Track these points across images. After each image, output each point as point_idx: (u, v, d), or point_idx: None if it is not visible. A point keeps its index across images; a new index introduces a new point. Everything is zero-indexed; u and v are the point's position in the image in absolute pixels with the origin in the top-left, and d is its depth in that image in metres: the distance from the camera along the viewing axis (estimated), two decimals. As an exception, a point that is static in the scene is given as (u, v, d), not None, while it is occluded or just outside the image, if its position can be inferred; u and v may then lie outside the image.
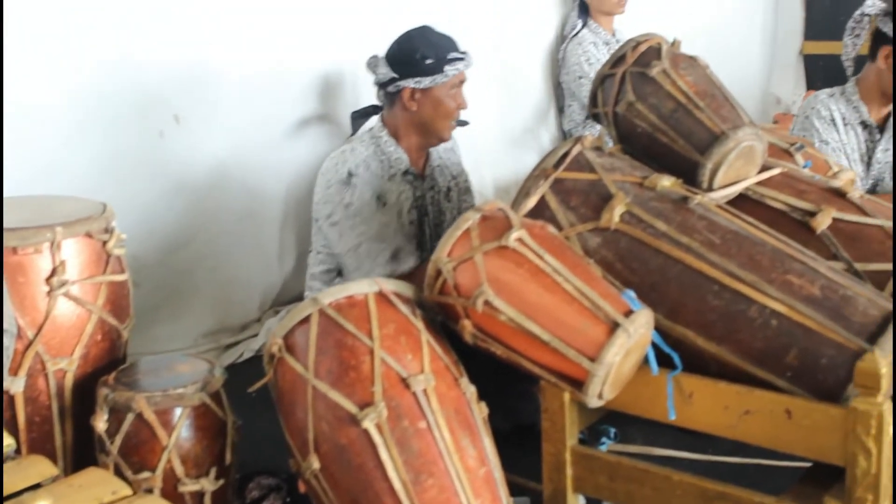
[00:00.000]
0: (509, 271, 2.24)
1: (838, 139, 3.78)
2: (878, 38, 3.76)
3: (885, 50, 3.69)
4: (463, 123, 3.40)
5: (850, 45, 3.94)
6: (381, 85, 3.23)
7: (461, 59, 3.18)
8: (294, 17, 3.94)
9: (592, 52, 5.01)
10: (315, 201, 3.24)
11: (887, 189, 3.88)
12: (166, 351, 3.54)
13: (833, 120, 3.78)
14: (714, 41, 6.48)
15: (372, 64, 3.22)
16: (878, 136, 3.85)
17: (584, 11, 5.17)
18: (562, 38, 5.25)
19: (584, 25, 5.14)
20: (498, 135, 4.99)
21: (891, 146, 3.89)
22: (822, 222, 2.56)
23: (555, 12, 5.34)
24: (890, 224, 2.57)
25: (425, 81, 3.15)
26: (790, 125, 6.10)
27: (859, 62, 3.91)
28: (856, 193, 2.69)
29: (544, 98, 5.28)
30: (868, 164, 3.89)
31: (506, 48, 5.00)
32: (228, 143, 3.80)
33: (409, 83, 3.15)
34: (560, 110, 5.28)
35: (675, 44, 2.81)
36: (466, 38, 4.60)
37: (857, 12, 3.89)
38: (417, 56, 3.13)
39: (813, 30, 7.49)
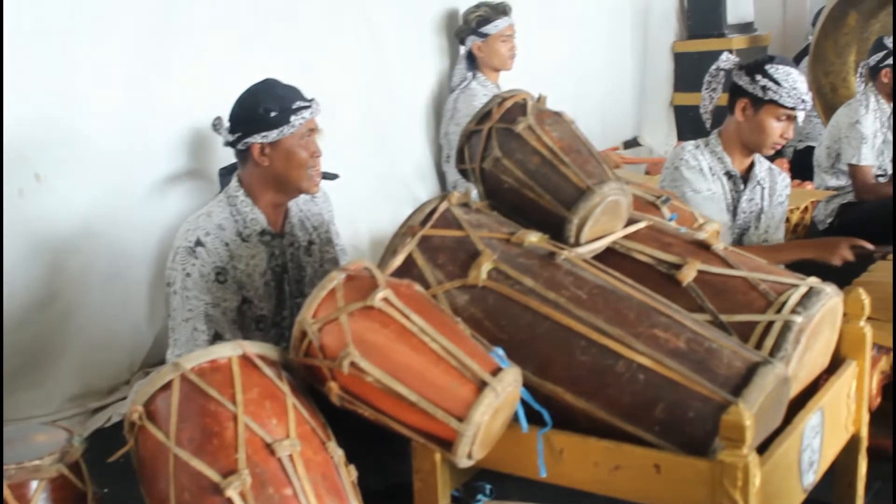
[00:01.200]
0: (375, 332, 2.20)
1: (708, 188, 3.85)
2: (735, 92, 3.88)
3: (742, 102, 3.83)
4: (331, 177, 3.36)
5: (708, 99, 4.06)
6: (230, 144, 3.17)
7: (307, 107, 3.13)
8: (161, 68, 3.87)
9: (483, 103, 5.05)
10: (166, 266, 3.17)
11: (752, 239, 3.97)
12: (29, 418, 3.42)
13: (701, 169, 3.86)
14: (586, 93, 6.63)
15: (216, 125, 3.16)
16: (741, 187, 3.95)
17: (472, 64, 5.22)
18: (449, 90, 5.29)
19: (472, 77, 5.18)
20: (374, 187, 4.97)
21: (755, 195, 3.99)
22: (688, 275, 2.58)
23: (434, 65, 5.37)
24: (753, 275, 2.60)
25: (272, 135, 3.08)
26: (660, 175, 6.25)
27: (720, 114, 4.01)
28: (720, 245, 2.72)
29: (423, 150, 5.29)
30: (734, 214, 3.97)
31: (383, 100, 5.01)
32: (93, 201, 3.70)
33: (257, 138, 3.09)
34: (447, 160, 5.29)
35: (540, 99, 2.83)
36: (343, 90, 4.64)
37: (713, 67, 4.01)
38: (261, 110, 3.07)
39: (681, 82, 7.71)
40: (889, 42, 5.86)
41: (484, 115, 2.78)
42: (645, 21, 7.54)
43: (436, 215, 2.54)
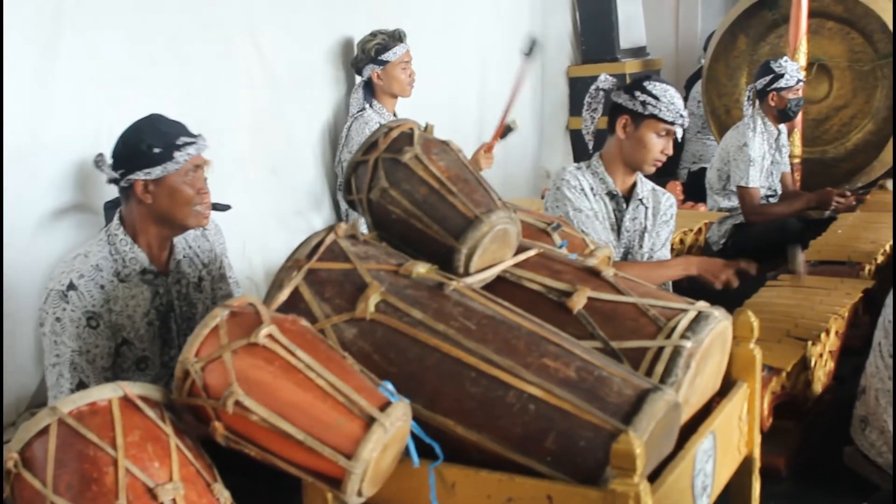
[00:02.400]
0: (260, 369, 2.15)
1: (590, 206, 3.87)
2: (614, 110, 3.92)
3: (622, 120, 3.87)
4: (223, 208, 3.29)
5: (589, 120, 4.09)
6: (114, 181, 3.08)
7: (192, 143, 3.05)
8: (46, 102, 3.77)
9: None
10: (39, 306, 3.07)
11: (636, 258, 4.00)
12: None
13: (582, 188, 3.88)
14: (486, 119, 6.65)
15: (98, 162, 3.06)
16: (624, 206, 3.98)
17: (370, 92, 5.20)
18: (343, 119, 5.25)
19: (368, 105, 5.16)
20: (268, 218, 4.90)
21: (639, 215, 4.02)
22: (578, 302, 2.58)
23: (328, 94, 5.34)
24: (643, 301, 2.61)
25: (155, 171, 2.99)
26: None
27: (602, 137, 4.05)
28: (610, 272, 2.72)
29: (318, 179, 5.24)
30: (618, 233, 4.00)
31: (276, 130, 4.95)
32: (-26, 236, 3.58)
33: (140, 175, 2.99)
34: (340, 189, 5.24)
35: (427, 129, 2.81)
36: (233, 121, 4.58)
37: (592, 87, 4.05)
38: (144, 146, 2.99)
39: (577, 106, 7.75)
40: (775, 66, 5.99)
41: (370, 146, 2.74)
42: (541, 46, 7.58)
43: (322, 248, 2.50)
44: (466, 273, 2.58)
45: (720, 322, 2.59)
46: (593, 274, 2.71)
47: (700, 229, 5.53)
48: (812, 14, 6.71)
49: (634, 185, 4.01)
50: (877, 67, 7.15)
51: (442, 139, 2.78)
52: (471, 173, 2.69)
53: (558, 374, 2.27)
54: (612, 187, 3.93)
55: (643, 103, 3.79)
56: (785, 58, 6.17)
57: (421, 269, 2.48)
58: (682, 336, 2.49)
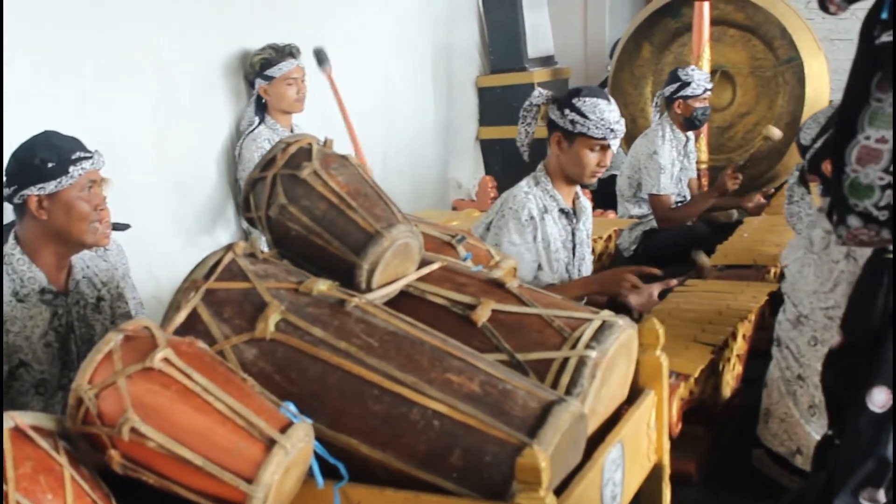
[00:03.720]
0: (156, 394, 2.09)
1: (531, 240, 3.85)
2: (549, 126, 3.92)
3: (556, 136, 3.88)
4: (122, 227, 3.22)
5: (524, 133, 4.07)
6: (7, 199, 3.00)
7: (88, 157, 2.98)
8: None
9: (268, 148, 4.95)
10: None
11: (583, 267, 4.02)
12: None
13: (532, 217, 3.85)
14: (394, 131, 6.64)
15: None
16: (574, 221, 3.99)
17: (262, 108, 5.13)
18: (238, 134, 5.17)
19: (261, 121, 5.08)
20: (173, 235, 4.81)
21: (585, 226, 4.04)
22: (483, 315, 2.56)
23: (231, 107, 5.27)
24: (548, 312, 2.60)
25: (49, 186, 2.93)
26: (468, 209, 6.30)
27: (537, 146, 4.04)
28: (515, 283, 2.71)
29: (221, 195, 5.16)
30: (573, 250, 4.00)
31: (178, 145, 4.86)
32: None
33: (33, 190, 2.93)
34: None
35: (327, 143, 2.77)
36: (134, 136, 4.49)
37: (526, 103, 4.04)
38: (37, 161, 2.92)
39: (486, 116, 7.81)
40: (683, 74, 6.06)
41: (268, 162, 2.70)
42: (448, 57, 7.59)
43: (220, 267, 2.45)
44: (369, 289, 2.55)
45: (625, 331, 2.59)
46: (498, 286, 2.70)
47: (610, 236, 5.56)
48: (714, 22, 6.80)
49: (576, 198, 4.03)
50: (778, 73, 7.27)
51: (341, 154, 2.74)
52: (370, 187, 2.66)
53: (462, 389, 2.25)
54: (563, 204, 3.94)
55: (572, 122, 3.79)
56: (693, 67, 6.24)
57: (322, 286, 2.44)
58: (587, 346, 2.48)
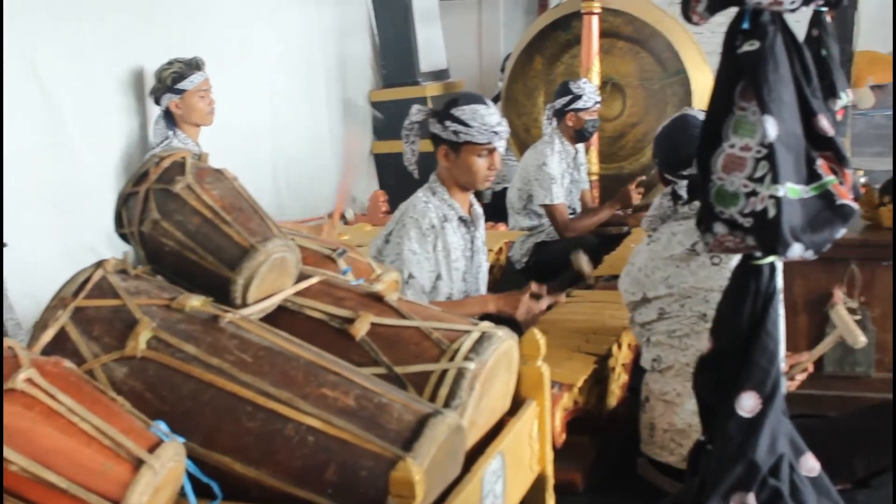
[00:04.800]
0: (18, 416, 2.02)
1: (431, 250, 3.85)
2: (434, 140, 3.92)
3: (442, 149, 3.89)
4: None
5: (409, 151, 4.07)
6: None
7: None
8: None
9: None
10: None
11: (480, 275, 4.04)
12: None
13: (433, 226, 3.85)
14: (287, 145, 6.60)
15: None
16: (473, 228, 4.00)
17: (171, 122, 5.06)
18: (148, 148, 5.10)
19: (173, 135, 5.02)
20: (57, 255, 4.69)
21: (481, 233, 4.05)
22: (361, 329, 2.54)
23: (121, 125, 5.19)
24: (426, 325, 2.59)
25: None
26: (360, 222, 6.28)
27: (426, 160, 4.04)
28: (394, 296, 2.70)
29: (108, 214, 5.05)
30: (471, 258, 4.01)
31: (61, 163, 4.76)
32: None
33: None
34: None
35: (202, 157, 2.73)
36: (12, 155, 4.38)
37: (406, 121, 4.03)
38: None
39: (380, 130, 7.81)
40: (574, 87, 6.13)
41: (141, 176, 2.64)
42: (341, 72, 7.58)
43: (90, 285, 2.40)
44: (244, 304, 2.51)
45: (504, 342, 2.59)
46: (377, 299, 2.68)
47: (501, 248, 5.59)
48: (603, 34, 6.89)
49: (472, 203, 4.05)
50: (666, 85, 7.39)
51: (216, 167, 2.70)
52: (246, 201, 2.62)
53: (337, 404, 2.23)
54: (461, 212, 3.95)
55: (455, 132, 3.80)
56: (584, 80, 6.32)
57: (195, 302, 2.40)
58: (466, 358, 2.48)
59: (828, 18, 6.25)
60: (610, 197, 6.67)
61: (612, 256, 5.19)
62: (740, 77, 2.19)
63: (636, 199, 6.07)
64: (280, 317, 2.59)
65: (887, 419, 3.42)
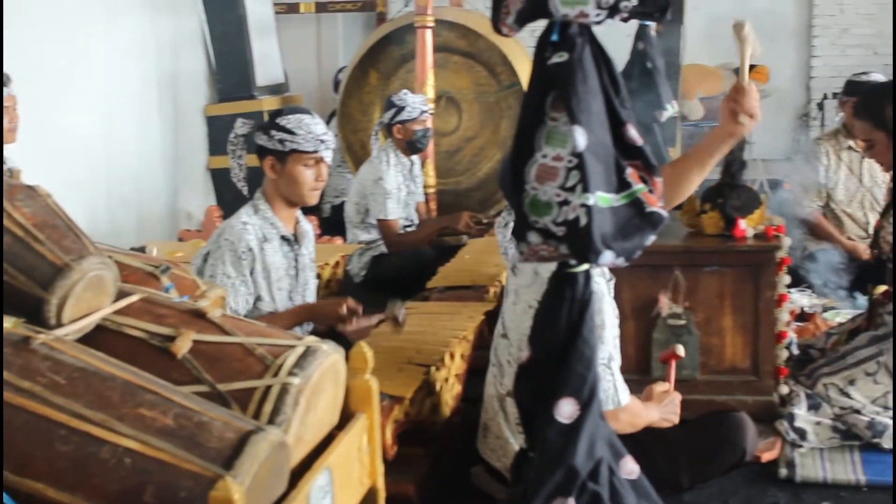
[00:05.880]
0: None
1: (247, 273, 3.81)
2: (259, 152, 3.90)
3: (269, 161, 3.89)
4: None
5: (237, 166, 4.04)
6: None
7: None
8: None
9: None
10: None
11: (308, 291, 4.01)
12: None
13: (250, 249, 3.81)
14: (118, 159, 6.48)
15: None
16: (297, 247, 3.97)
17: None
18: None
19: None
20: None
21: (307, 250, 4.02)
22: (182, 346, 2.49)
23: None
24: (250, 340, 2.56)
25: None
26: (194, 239, 6.19)
27: (254, 175, 4.01)
28: (217, 312, 2.66)
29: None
30: (296, 276, 3.97)
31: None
32: None
33: None
34: None
35: (14, 174, 2.65)
36: None
37: (231, 135, 4.00)
38: None
39: (216, 145, 7.74)
40: (396, 100, 6.19)
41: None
42: (174, 85, 7.48)
43: None
44: (59, 324, 2.44)
45: (329, 356, 2.58)
46: (199, 316, 2.64)
47: (338, 262, 5.57)
48: (437, 49, 6.96)
49: (298, 221, 4.01)
50: (501, 99, 7.51)
51: (29, 184, 2.62)
52: (60, 219, 2.55)
53: (155, 424, 2.18)
54: (284, 231, 3.92)
55: (281, 141, 3.80)
56: (405, 91, 6.37)
57: (6, 323, 2.32)
58: (290, 373, 2.46)
59: (653, 33, 6.47)
60: (447, 211, 6.75)
61: (447, 268, 5.23)
62: (551, 88, 2.23)
63: (465, 230, 6.16)
64: (98, 337, 2.52)
65: (714, 431, 3.55)
